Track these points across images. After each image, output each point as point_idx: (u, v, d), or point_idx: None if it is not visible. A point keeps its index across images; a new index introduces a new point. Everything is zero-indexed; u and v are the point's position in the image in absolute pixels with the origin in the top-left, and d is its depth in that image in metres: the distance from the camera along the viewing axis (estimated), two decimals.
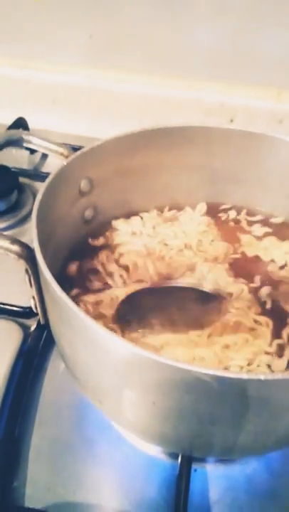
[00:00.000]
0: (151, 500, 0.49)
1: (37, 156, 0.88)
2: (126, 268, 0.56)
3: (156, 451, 0.52)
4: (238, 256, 0.58)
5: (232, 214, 0.64)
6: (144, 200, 0.62)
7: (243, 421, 0.36)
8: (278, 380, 0.31)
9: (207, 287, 0.50)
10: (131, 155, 0.56)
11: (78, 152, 0.51)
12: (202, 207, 0.64)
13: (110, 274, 0.55)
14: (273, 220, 0.63)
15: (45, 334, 0.58)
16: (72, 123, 0.97)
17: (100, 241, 0.59)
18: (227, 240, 0.60)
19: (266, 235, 0.61)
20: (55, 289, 0.36)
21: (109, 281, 0.54)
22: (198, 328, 0.48)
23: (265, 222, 0.63)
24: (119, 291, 0.52)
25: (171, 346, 0.46)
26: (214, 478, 0.51)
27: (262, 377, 0.31)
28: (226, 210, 0.64)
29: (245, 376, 0.31)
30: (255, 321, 0.49)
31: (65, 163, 0.49)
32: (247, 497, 0.50)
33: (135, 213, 0.62)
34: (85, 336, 0.36)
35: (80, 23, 0.90)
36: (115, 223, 0.61)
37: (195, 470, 0.52)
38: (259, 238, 0.61)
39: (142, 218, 0.62)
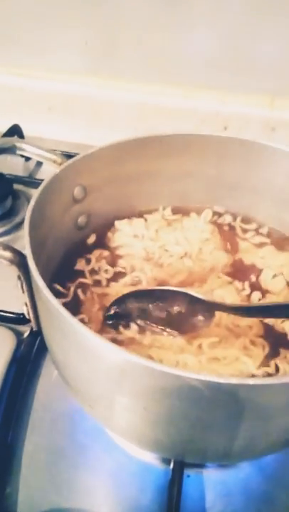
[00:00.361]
0: (144, 506, 0.49)
1: (32, 163, 0.89)
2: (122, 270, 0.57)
3: (149, 457, 0.52)
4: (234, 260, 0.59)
5: (230, 221, 0.64)
6: (137, 208, 0.62)
7: (234, 426, 0.36)
8: (267, 385, 0.32)
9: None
10: (124, 162, 0.57)
11: (71, 160, 0.51)
12: (207, 214, 0.64)
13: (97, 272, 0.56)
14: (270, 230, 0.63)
15: (38, 340, 0.58)
16: (68, 130, 0.98)
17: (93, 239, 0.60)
18: (227, 249, 0.60)
19: (263, 244, 0.61)
20: (46, 296, 0.36)
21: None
22: (188, 332, 0.48)
23: (261, 232, 0.63)
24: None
25: (158, 348, 0.46)
26: (208, 483, 0.51)
27: (251, 382, 0.31)
28: (224, 217, 0.65)
29: (234, 381, 0.32)
30: (252, 342, 0.49)
31: (58, 171, 0.49)
32: (242, 502, 0.50)
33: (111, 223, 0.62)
34: (75, 342, 0.37)
35: (75, 30, 0.90)
36: (118, 224, 0.61)
37: (188, 476, 0.52)
38: (257, 246, 0.61)
39: (146, 220, 0.62)
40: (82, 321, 0.49)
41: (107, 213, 0.60)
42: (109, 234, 0.61)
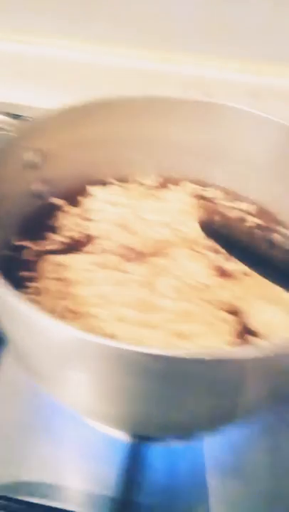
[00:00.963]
0: (108, 479, 0.48)
1: None
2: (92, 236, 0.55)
3: (114, 431, 0.51)
4: None
5: (214, 195, 0.62)
6: (102, 174, 0.59)
7: (186, 400, 0.35)
8: (218, 360, 0.30)
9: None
10: (86, 126, 0.54)
11: (27, 123, 0.49)
12: (190, 187, 0.62)
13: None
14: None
15: None
16: (41, 96, 0.94)
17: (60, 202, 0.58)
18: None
19: None
20: None
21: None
22: None
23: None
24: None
25: (117, 321, 0.45)
26: (175, 456, 0.51)
27: (205, 357, 0.30)
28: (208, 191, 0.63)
29: (184, 355, 0.30)
30: (218, 317, 0.47)
31: (12, 135, 0.47)
32: (208, 473, 0.50)
33: (82, 188, 0.60)
34: (18, 319, 0.35)
35: None
36: (91, 189, 0.59)
37: (155, 448, 0.52)
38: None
39: (123, 188, 0.60)
40: (37, 291, 0.48)
41: (71, 181, 0.58)
42: (80, 198, 0.58)
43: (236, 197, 0.61)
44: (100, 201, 0.58)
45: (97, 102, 0.54)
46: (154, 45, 0.90)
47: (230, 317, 0.46)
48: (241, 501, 0.49)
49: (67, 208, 0.58)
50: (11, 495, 0.46)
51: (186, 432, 0.46)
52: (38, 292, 0.48)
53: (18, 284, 0.48)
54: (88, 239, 0.55)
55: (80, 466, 0.50)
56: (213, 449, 0.52)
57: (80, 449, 0.51)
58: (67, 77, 0.94)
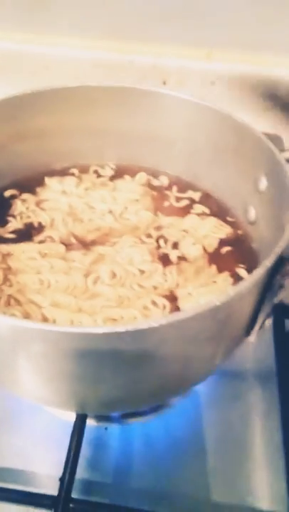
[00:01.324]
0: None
1: None
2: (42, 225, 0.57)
3: (70, 416, 0.53)
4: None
5: (164, 184, 0.63)
6: (48, 165, 0.61)
7: (112, 375, 0.37)
8: (124, 333, 0.32)
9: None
10: (28, 117, 0.55)
11: None
12: (141, 176, 0.63)
13: None
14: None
15: None
16: None
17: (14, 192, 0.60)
18: (154, 211, 0.59)
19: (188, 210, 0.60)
20: None
21: None
22: None
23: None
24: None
25: (56, 307, 0.46)
26: (127, 434, 0.54)
27: (120, 329, 0.31)
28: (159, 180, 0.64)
29: (100, 330, 0.32)
30: (153, 302, 0.48)
31: None
32: (161, 450, 0.52)
33: (40, 178, 0.61)
34: None
35: None
36: (48, 180, 0.61)
37: (106, 428, 0.54)
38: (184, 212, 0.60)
39: (78, 178, 0.62)
40: None
41: (15, 171, 0.59)
42: (38, 189, 0.61)
43: (187, 185, 0.63)
44: (53, 191, 0.60)
45: (44, 92, 0.56)
46: (109, 35, 0.90)
47: (165, 302, 0.48)
48: (196, 475, 0.51)
49: (26, 196, 0.60)
50: None
51: (134, 406, 0.47)
52: None
53: None
54: (39, 227, 0.57)
55: (38, 451, 0.52)
56: (164, 425, 0.55)
57: (37, 434, 0.53)
58: (24, 71, 0.94)
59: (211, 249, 0.55)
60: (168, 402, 0.55)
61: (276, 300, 0.39)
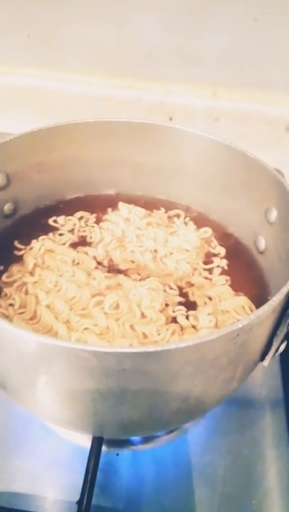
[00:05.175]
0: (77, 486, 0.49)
1: None
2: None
3: (81, 440, 0.54)
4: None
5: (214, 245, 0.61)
6: (68, 194, 0.63)
7: (134, 396, 0.38)
8: (153, 353, 0.33)
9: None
10: (48, 149, 0.57)
11: None
12: (206, 231, 0.62)
13: None
14: None
15: None
16: (13, 123, 0.97)
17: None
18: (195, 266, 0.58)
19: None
20: None
21: None
22: None
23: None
24: None
25: (49, 309, 0.50)
26: (138, 460, 0.54)
27: (147, 349, 0.33)
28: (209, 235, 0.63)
29: (120, 349, 0.33)
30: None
31: None
32: (173, 475, 0.53)
33: (59, 206, 0.63)
34: None
35: (17, 23, 0.90)
36: (121, 205, 0.64)
37: (117, 454, 0.54)
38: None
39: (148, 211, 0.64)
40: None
41: (37, 200, 0.61)
42: (109, 209, 0.64)
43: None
44: (118, 215, 0.63)
45: (64, 126, 0.58)
46: (118, 73, 0.94)
47: None
48: (206, 501, 0.51)
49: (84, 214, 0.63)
50: None
51: (151, 430, 0.48)
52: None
53: None
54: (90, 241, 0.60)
55: (49, 474, 0.52)
56: (174, 451, 0.55)
57: (49, 458, 0.53)
58: (38, 104, 0.98)
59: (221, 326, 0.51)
60: (179, 429, 0.56)
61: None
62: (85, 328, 0.48)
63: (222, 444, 0.56)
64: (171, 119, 0.98)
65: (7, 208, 0.58)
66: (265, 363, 0.44)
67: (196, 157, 0.60)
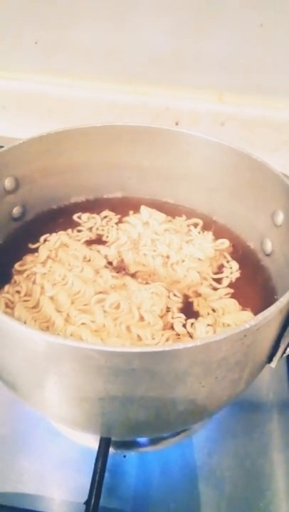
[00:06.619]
0: (83, 488, 0.49)
1: None
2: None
3: (88, 441, 0.54)
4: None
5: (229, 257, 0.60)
6: (75, 198, 0.64)
7: (143, 395, 0.38)
8: (162, 352, 0.34)
9: None
10: (56, 154, 0.58)
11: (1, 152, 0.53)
12: (223, 242, 0.61)
13: None
14: None
15: None
16: (21, 128, 0.98)
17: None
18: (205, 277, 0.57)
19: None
20: None
21: None
22: None
23: None
24: None
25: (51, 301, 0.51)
26: (145, 462, 0.54)
27: (156, 349, 0.33)
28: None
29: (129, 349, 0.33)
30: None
31: None
32: (180, 477, 0.53)
33: (67, 209, 0.64)
34: None
35: (25, 30, 0.91)
36: (143, 208, 0.64)
37: (124, 456, 0.54)
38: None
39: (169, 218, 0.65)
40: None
41: (44, 203, 0.62)
42: (131, 212, 0.65)
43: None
44: (138, 218, 0.63)
45: (72, 131, 0.59)
46: (124, 78, 0.95)
47: None
48: (213, 504, 0.51)
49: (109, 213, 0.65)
50: None
51: (159, 431, 0.48)
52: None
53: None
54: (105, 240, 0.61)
55: (57, 476, 0.52)
56: (181, 453, 0.55)
57: (55, 459, 0.54)
58: (45, 110, 0.99)
59: None
60: (185, 431, 0.56)
61: None
62: (82, 323, 0.49)
63: (229, 447, 0.56)
64: (177, 124, 0.99)
65: (16, 211, 0.59)
66: (273, 364, 0.45)
67: (202, 161, 0.60)
